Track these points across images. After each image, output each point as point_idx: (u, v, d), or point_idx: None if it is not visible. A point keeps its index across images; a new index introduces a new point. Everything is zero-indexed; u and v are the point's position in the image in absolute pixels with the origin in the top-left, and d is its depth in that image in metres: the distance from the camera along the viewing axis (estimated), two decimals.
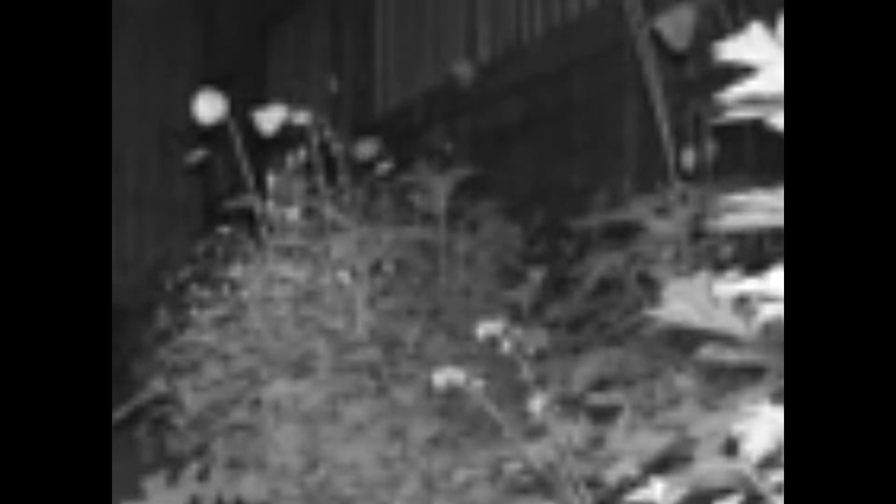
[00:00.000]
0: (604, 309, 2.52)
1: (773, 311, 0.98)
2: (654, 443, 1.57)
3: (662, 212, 2.25)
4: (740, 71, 0.94)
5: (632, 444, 1.59)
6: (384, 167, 3.18)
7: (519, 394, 2.01)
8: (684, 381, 1.89)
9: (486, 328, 1.83)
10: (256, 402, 2.69)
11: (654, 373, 2.06)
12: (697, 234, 2.23)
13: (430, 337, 2.69)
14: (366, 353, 2.56)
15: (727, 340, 1.37)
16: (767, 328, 1.25)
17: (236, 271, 2.97)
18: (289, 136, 2.83)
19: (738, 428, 1.07)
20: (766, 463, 1.12)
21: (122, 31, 7.55)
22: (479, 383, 1.83)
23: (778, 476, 1.14)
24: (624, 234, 2.39)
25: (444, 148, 4.45)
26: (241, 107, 2.92)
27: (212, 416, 2.88)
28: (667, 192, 2.25)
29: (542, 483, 1.84)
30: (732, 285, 0.99)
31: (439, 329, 2.75)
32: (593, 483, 1.76)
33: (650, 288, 2.28)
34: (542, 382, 2.10)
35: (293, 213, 2.93)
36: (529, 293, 2.68)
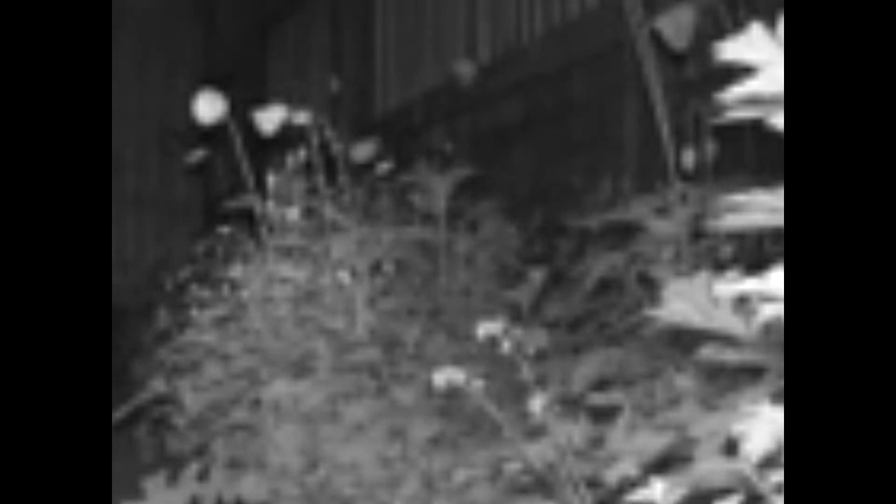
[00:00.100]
0: (604, 309, 2.52)
1: (773, 311, 0.98)
2: (654, 443, 1.57)
3: (662, 212, 2.25)
4: (740, 71, 0.94)
5: (632, 444, 1.59)
6: (384, 167, 3.18)
7: (519, 394, 2.01)
8: (684, 381, 1.89)
9: (486, 328, 1.83)
10: (256, 402, 2.69)
11: (654, 373, 2.06)
12: (697, 234, 2.23)
13: (430, 337, 2.69)
14: (366, 353, 2.56)
15: (727, 340, 1.37)
16: (767, 328, 1.25)
17: (236, 271, 2.97)
18: (289, 136, 2.83)
19: (738, 428, 1.07)
20: (766, 463, 1.12)
21: (122, 31, 7.55)
22: (479, 383, 1.83)
23: (778, 476, 1.14)
24: (623, 233, 2.39)
25: (444, 148, 4.45)
26: (241, 107, 2.92)
27: (212, 416, 2.88)
28: (667, 192, 2.25)
29: (542, 483, 1.84)
30: (732, 285, 0.99)
31: (439, 329, 2.75)
32: (593, 483, 1.76)
33: (650, 288, 2.28)
34: (542, 382, 2.10)
35: (293, 213, 2.93)
36: (529, 293, 2.68)
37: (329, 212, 2.85)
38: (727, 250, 2.26)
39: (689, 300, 1.24)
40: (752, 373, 1.56)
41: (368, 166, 3.20)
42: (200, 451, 2.93)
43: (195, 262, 3.80)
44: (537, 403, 1.81)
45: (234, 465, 2.68)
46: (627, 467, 1.58)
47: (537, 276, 2.70)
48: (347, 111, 5.85)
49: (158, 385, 3.25)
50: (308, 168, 2.95)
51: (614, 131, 3.47)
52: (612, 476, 1.60)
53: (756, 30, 0.93)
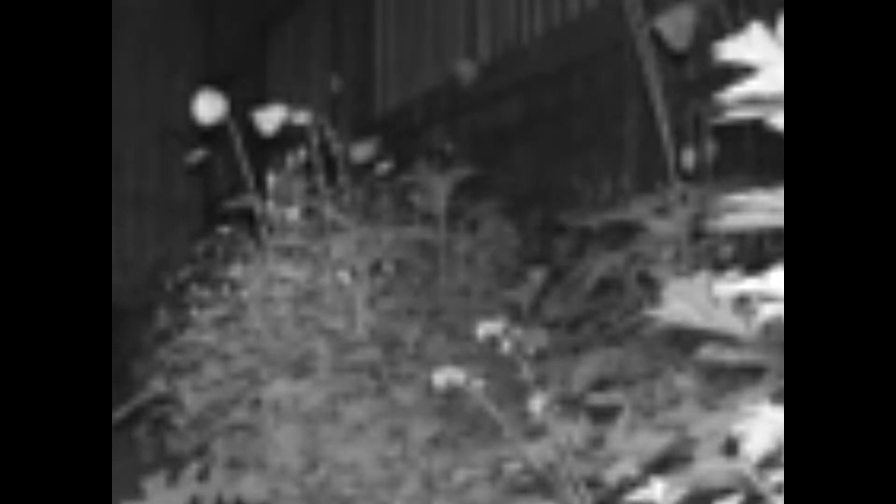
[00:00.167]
0: (604, 309, 2.52)
1: (773, 311, 0.98)
2: (654, 443, 1.57)
3: (662, 212, 2.25)
4: (740, 71, 0.94)
5: (632, 444, 1.59)
6: (384, 167, 3.18)
7: (519, 394, 2.01)
8: (684, 381, 1.89)
9: (486, 328, 1.83)
10: (256, 402, 2.69)
11: (654, 373, 2.06)
12: (697, 234, 2.23)
13: (430, 337, 2.69)
14: (366, 353, 2.56)
15: (727, 340, 1.37)
16: (767, 328, 1.25)
17: (236, 271, 2.97)
18: (289, 136, 2.83)
19: (738, 428, 1.07)
20: (766, 463, 1.12)
21: (122, 31, 7.54)
22: (479, 383, 1.83)
23: (778, 476, 1.14)
24: (623, 233, 2.39)
25: (444, 148, 4.45)
26: (241, 107, 2.92)
27: (212, 416, 2.88)
28: (667, 192, 2.25)
29: (542, 483, 1.84)
30: (732, 285, 0.99)
31: (439, 329, 2.75)
32: (593, 483, 1.76)
33: (650, 288, 2.28)
34: (542, 382, 2.10)
35: (293, 213, 2.93)
36: (529, 293, 2.68)
37: (329, 212, 2.85)
38: (727, 250, 2.26)
39: (689, 300, 1.24)
40: (752, 373, 1.56)
41: (368, 166, 3.20)
42: (200, 451, 2.93)
43: (195, 262, 3.80)
44: (537, 403, 1.81)
45: (234, 465, 2.68)
46: (627, 467, 1.58)
47: (537, 275, 2.70)
48: (347, 111, 5.85)
49: (158, 385, 3.25)
50: (308, 168, 2.95)
51: (614, 131, 3.47)
52: (612, 476, 1.60)
53: (756, 30, 0.93)
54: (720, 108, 0.98)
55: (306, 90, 6.70)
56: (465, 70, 4.25)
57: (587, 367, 2.13)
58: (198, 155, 3.15)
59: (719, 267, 2.13)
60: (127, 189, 7.82)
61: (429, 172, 3.04)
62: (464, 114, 4.62)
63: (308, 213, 2.96)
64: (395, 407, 2.48)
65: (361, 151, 3.09)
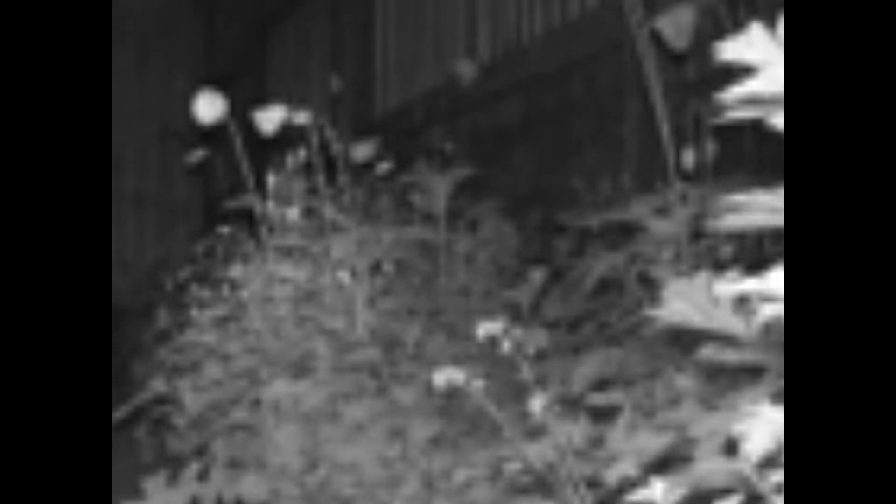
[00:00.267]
0: (604, 309, 2.52)
1: (773, 311, 0.98)
2: (654, 443, 1.57)
3: (662, 212, 2.25)
4: (740, 71, 0.94)
5: (632, 444, 1.59)
6: (384, 167, 3.18)
7: (519, 394, 2.01)
8: (684, 381, 1.89)
9: (486, 328, 1.83)
10: (256, 402, 2.69)
11: (654, 373, 2.06)
12: (697, 234, 2.23)
13: (430, 337, 2.69)
14: (366, 353, 2.56)
15: (727, 340, 1.37)
16: (767, 328, 1.25)
17: (236, 271, 2.97)
18: (289, 136, 2.83)
19: (738, 428, 1.07)
20: (766, 463, 1.12)
21: (122, 31, 7.55)
22: (479, 383, 1.83)
23: (778, 476, 1.14)
24: (623, 233, 2.39)
25: (444, 148, 4.45)
26: (241, 107, 2.92)
27: (212, 416, 2.88)
28: (667, 192, 2.25)
29: (542, 483, 1.84)
30: (732, 285, 0.99)
31: (439, 329, 2.75)
32: (593, 483, 1.76)
33: (650, 288, 2.28)
34: (542, 382, 2.10)
35: (293, 213, 2.93)
36: (529, 293, 2.68)
37: (329, 212, 2.85)
38: (727, 250, 2.26)
39: (689, 300, 1.24)
40: (752, 373, 1.56)
41: (368, 166, 3.20)
42: (200, 451, 2.93)
43: (195, 262, 3.80)
44: (537, 403, 1.81)
45: (234, 465, 2.68)
46: (627, 467, 1.58)
47: (537, 275, 2.70)
48: (347, 111, 5.85)
49: (158, 385, 3.25)
50: (308, 168, 2.95)
51: (614, 131, 3.47)
52: (612, 476, 1.60)
53: (756, 30, 0.93)
54: (720, 108, 0.98)
55: (306, 90, 6.70)
56: (465, 70, 4.25)
57: (587, 367, 2.13)
58: (198, 155, 3.15)
59: (719, 267, 2.13)
60: (127, 189, 7.82)
61: (429, 172, 3.04)
62: (464, 114, 4.62)
63: (308, 213, 2.96)
64: (395, 407, 2.48)
65: (361, 151, 3.09)
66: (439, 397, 2.43)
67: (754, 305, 1.10)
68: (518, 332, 1.85)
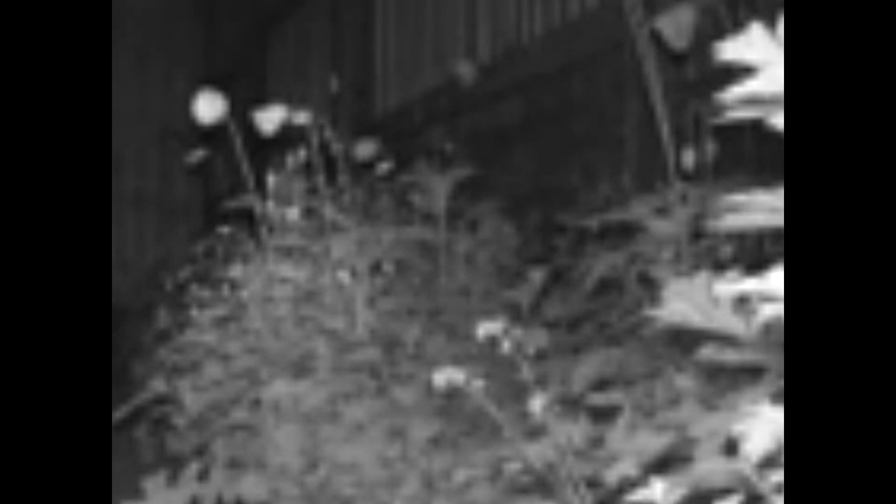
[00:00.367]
0: (604, 309, 2.52)
1: (773, 311, 0.98)
2: (654, 443, 1.57)
3: (662, 212, 2.25)
4: (740, 71, 0.94)
5: (632, 444, 1.59)
6: (384, 167, 3.18)
7: (519, 394, 2.01)
8: (684, 381, 1.89)
9: (486, 328, 1.83)
10: (256, 402, 2.69)
11: (654, 373, 2.06)
12: (697, 234, 2.23)
13: (430, 337, 2.69)
14: (366, 353, 2.56)
15: (727, 340, 1.37)
16: (767, 328, 1.25)
17: (236, 271, 2.97)
18: (289, 136, 2.83)
19: (738, 428, 1.07)
20: (766, 463, 1.12)
21: (122, 31, 7.54)
22: (479, 383, 1.83)
23: (778, 476, 1.14)
24: (623, 233, 2.39)
25: (444, 148, 4.45)
26: (241, 107, 2.92)
27: (212, 416, 2.88)
28: (667, 192, 2.25)
29: (542, 483, 1.84)
30: (732, 285, 0.99)
31: (439, 329, 2.75)
32: (593, 483, 1.76)
33: (650, 288, 2.28)
34: (542, 382, 2.10)
35: (293, 213, 2.93)
36: (529, 293, 2.68)
37: (329, 212, 2.85)
38: (727, 250, 2.26)
39: (689, 300, 1.24)
40: (752, 373, 1.56)
41: (368, 166, 3.20)
42: (200, 451, 2.93)
43: (195, 262, 3.80)
44: (537, 403, 1.81)
45: (234, 465, 2.68)
46: (627, 467, 1.58)
47: (537, 275, 2.70)
48: (347, 111, 5.85)
49: (158, 385, 3.25)
50: (308, 168, 2.95)
51: (614, 131, 3.47)
52: (612, 476, 1.60)
53: (756, 30, 0.93)
54: (720, 108, 0.98)
55: (306, 90, 6.70)
56: (465, 70, 4.25)
57: (587, 367, 2.13)
58: (198, 155, 3.15)
59: (719, 267, 2.12)
60: (127, 189, 7.82)
61: (429, 172, 3.04)
62: (464, 114, 4.62)
63: (308, 213, 2.96)
64: (395, 407, 2.48)
65: (362, 151, 3.09)
66: (439, 397, 2.43)
67: (754, 305, 1.10)
68: (518, 332, 1.85)
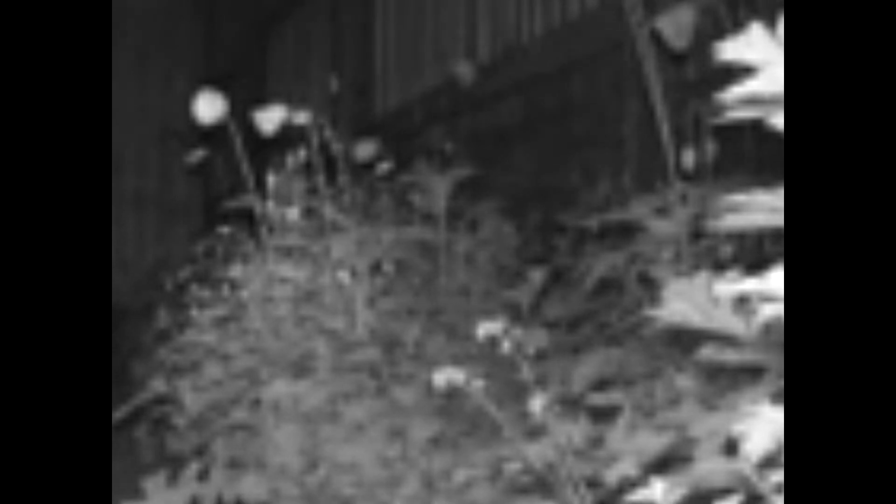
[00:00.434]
0: (604, 309, 2.52)
1: (773, 311, 0.98)
2: (654, 443, 1.57)
3: (662, 212, 2.25)
4: (740, 71, 0.94)
5: (632, 444, 1.59)
6: (384, 167, 3.18)
7: (519, 394, 2.01)
8: (684, 381, 1.89)
9: (486, 328, 1.83)
10: (256, 402, 2.69)
11: (654, 373, 2.06)
12: (697, 234, 2.23)
13: (430, 337, 2.69)
14: (366, 353, 2.56)
15: (727, 340, 1.37)
16: (767, 328, 1.25)
17: (236, 271, 2.97)
18: (289, 136, 2.83)
19: (738, 428, 1.07)
20: (766, 463, 1.12)
21: (122, 31, 7.54)
22: (479, 383, 1.83)
23: (778, 476, 1.14)
24: (623, 233, 2.39)
25: (444, 148, 4.45)
26: (241, 107, 2.92)
27: (212, 416, 2.88)
28: (667, 192, 2.25)
29: (542, 483, 1.84)
30: (732, 285, 0.99)
31: (439, 329, 2.75)
32: (593, 483, 1.76)
33: (650, 288, 2.28)
34: (542, 382, 2.10)
35: (293, 213, 2.93)
36: (529, 293, 2.68)
37: (329, 212, 2.85)
38: (727, 250, 2.26)
39: (689, 300, 1.24)
40: (752, 373, 1.56)
41: (368, 166, 3.20)
42: (200, 451, 2.93)
43: (195, 262, 3.80)
44: (537, 403, 1.81)
45: (234, 465, 2.68)
46: (627, 467, 1.58)
47: (537, 275, 2.70)
48: (347, 111, 5.85)
49: (158, 385, 3.25)
50: (308, 168, 2.95)
51: (614, 131, 3.47)
52: (612, 476, 1.60)
53: (756, 30, 0.93)
54: (720, 108, 0.98)
55: (306, 90, 6.70)
56: (465, 70, 4.25)
57: (587, 367, 2.13)
58: (198, 155, 3.15)
59: (719, 267, 2.12)
60: (127, 189, 7.82)
61: (429, 172, 3.04)
62: (464, 114, 4.62)
63: (308, 213, 2.96)
64: (395, 407, 2.48)
65: (362, 151, 3.09)
66: (439, 397, 2.43)
67: (754, 305, 1.10)
68: (518, 332, 1.85)
